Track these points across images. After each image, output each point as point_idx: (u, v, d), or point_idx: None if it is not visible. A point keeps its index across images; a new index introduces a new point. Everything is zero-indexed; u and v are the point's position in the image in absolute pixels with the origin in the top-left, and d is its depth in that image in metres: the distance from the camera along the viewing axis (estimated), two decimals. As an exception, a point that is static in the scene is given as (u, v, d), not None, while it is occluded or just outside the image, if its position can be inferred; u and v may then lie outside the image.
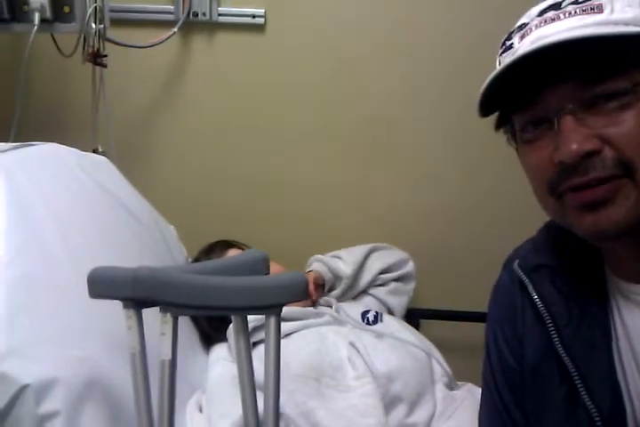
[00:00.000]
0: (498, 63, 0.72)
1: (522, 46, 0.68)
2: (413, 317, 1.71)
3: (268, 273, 0.94)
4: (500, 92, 0.69)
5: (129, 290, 0.85)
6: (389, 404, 1.21)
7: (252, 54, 1.73)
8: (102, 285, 0.86)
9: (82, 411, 0.84)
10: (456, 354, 1.50)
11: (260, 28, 1.71)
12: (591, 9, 0.65)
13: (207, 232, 1.59)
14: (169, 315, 0.87)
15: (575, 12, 0.65)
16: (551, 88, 0.66)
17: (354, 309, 1.50)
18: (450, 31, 1.69)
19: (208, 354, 1.37)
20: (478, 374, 1.28)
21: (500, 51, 0.72)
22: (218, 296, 0.89)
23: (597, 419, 0.70)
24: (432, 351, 1.40)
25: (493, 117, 0.75)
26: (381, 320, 1.44)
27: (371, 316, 1.46)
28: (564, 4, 0.67)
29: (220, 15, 1.70)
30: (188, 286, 0.88)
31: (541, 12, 0.69)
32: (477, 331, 1.70)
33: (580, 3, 0.66)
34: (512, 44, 0.70)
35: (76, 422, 0.82)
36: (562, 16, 0.66)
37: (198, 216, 1.76)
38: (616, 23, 0.64)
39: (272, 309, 0.90)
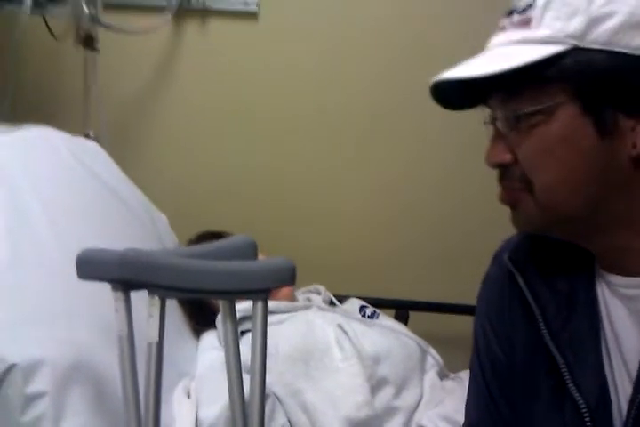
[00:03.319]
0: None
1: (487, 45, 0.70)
2: (402, 308, 1.71)
3: (255, 258, 0.94)
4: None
5: (117, 272, 0.85)
6: (376, 385, 1.23)
7: (245, 41, 1.72)
8: (91, 266, 0.86)
9: (68, 392, 0.84)
10: (445, 347, 1.50)
11: (252, 15, 1.70)
12: (523, 23, 0.66)
13: (200, 221, 1.58)
14: (157, 297, 0.87)
15: (512, 24, 0.67)
16: (491, 96, 0.70)
17: (353, 302, 1.51)
18: (442, 19, 1.69)
19: (198, 341, 1.37)
20: (467, 366, 1.29)
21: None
22: (206, 280, 0.89)
23: (584, 410, 0.70)
24: (425, 344, 1.40)
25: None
26: (377, 318, 1.45)
27: (368, 311, 1.47)
28: (514, 13, 0.67)
29: (213, 2, 1.69)
30: (176, 269, 0.88)
31: (508, 14, 0.69)
32: (467, 323, 1.71)
33: (521, 12, 0.66)
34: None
35: (62, 404, 0.82)
36: (506, 27, 0.68)
37: (191, 204, 1.75)
38: (533, 42, 0.64)
39: (260, 293, 0.90)
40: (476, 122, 0.74)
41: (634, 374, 0.67)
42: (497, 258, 0.84)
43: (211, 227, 1.54)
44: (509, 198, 0.71)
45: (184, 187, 1.77)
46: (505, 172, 0.70)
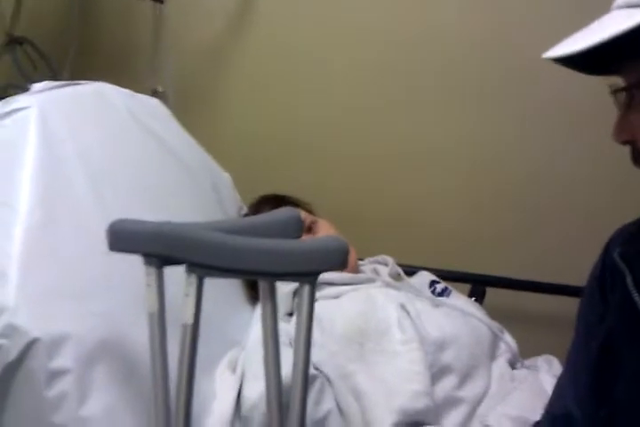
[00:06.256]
0: None
1: None
2: (479, 284, 1.57)
3: (299, 235, 0.88)
4: None
5: (151, 245, 0.80)
6: (438, 373, 1.14)
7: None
8: (123, 237, 0.81)
9: (93, 370, 0.81)
10: (522, 327, 1.38)
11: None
12: None
13: (267, 181, 1.52)
14: (194, 276, 0.81)
15: None
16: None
17: (422, 276, 1.41)
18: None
19: (254, 309, 1.32)
20: (546, 349, 1.17)
21: None
22: (248, 259, 0.82)
23: None
24: (498, 329, 1.30)
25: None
26: (448, 295, 1.35)
27: (439, 287, 1.37)
28: None
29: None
30: (215, 246, 0.82)
31: None
32: (548, 303, 1.59)
33: None
34: None
35: (86, 381, 0.80)
36: None
37: (259, 164, 1.69)
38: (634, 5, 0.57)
39: (306, 276, 0.82)
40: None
41: None
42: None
43: (277, 187, 1.47)
44: None
45: (253, 143, 1.71)
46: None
